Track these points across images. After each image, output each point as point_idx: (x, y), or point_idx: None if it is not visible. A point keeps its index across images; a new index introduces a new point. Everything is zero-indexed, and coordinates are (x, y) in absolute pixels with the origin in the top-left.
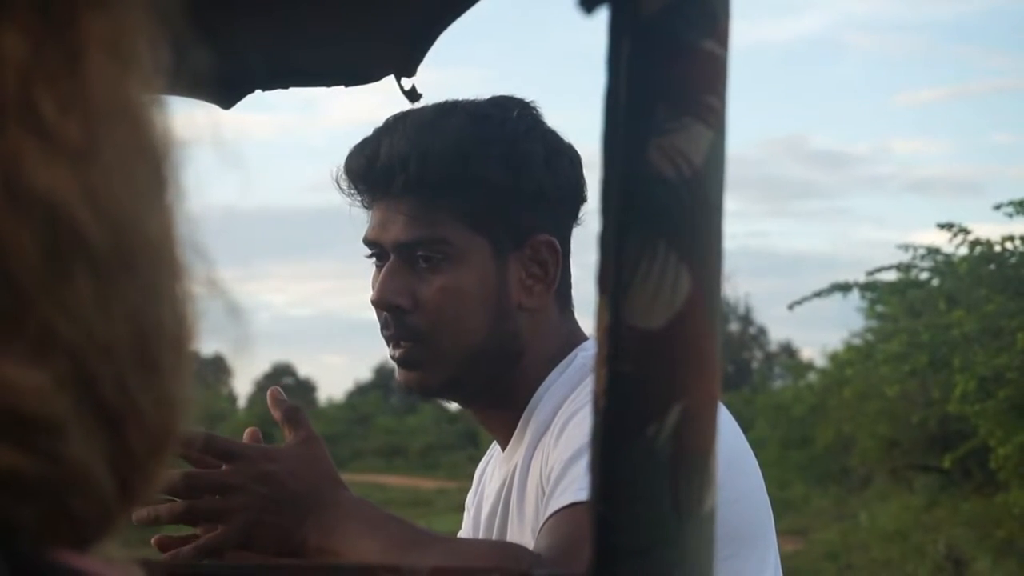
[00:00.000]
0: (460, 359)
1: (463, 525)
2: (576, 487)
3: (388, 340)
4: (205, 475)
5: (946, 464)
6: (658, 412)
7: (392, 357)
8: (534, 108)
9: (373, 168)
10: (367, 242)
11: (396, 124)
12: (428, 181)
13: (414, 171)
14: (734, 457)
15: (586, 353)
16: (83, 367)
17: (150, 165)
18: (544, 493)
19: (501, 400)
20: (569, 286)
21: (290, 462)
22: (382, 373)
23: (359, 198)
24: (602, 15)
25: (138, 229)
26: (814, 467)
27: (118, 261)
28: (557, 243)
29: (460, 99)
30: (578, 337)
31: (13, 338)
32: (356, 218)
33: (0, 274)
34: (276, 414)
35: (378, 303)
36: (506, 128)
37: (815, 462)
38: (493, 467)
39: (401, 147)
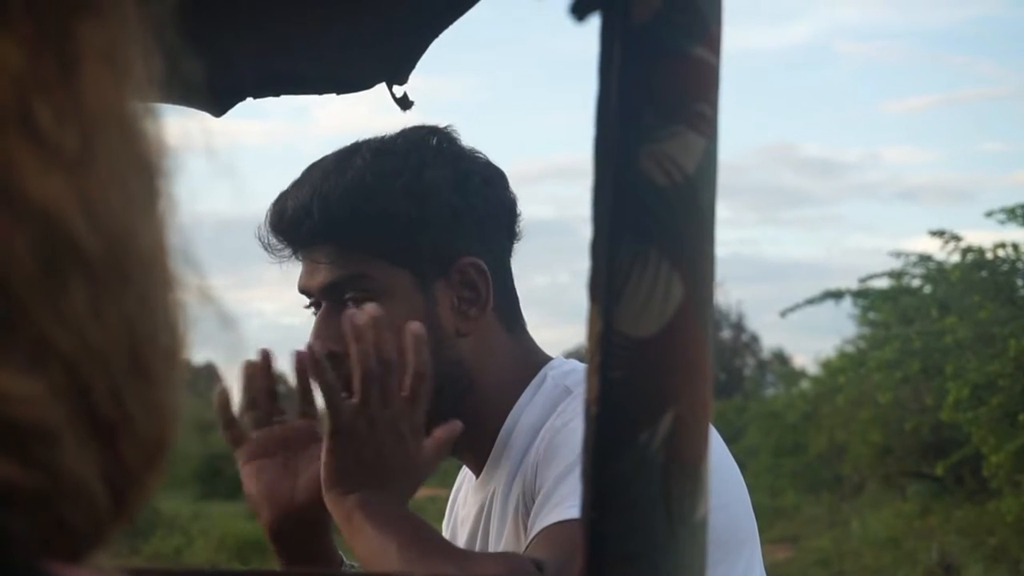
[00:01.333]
0: None
1: None
2: (566, 505)
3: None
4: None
5: (939, 471)
6: (650, 419)
7: None
8: (448, 132)
9: (283, 222)
10: (300, 291)
11: (304, 174)
12: (334, 224)
13: (318, 217)
14: (717, 464)
15: (556, 372)
16: (77, 376)
17: (143, 174)
18: (528, 512)
19: (467, 429)
20: (513, 305)
21: (407, 444)
22: None
23: (283, 253)
24: (594, 22)
25: (132, 238)
26: (806, 474)
27: (112, 270)
28: (484, 264)
29: (368, 138)
30: (539, 357)
31: (8, 346)
32: None
33: None
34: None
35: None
36: (411, 159)
37: (807, 469)
38: (466, 493)
39: (304, 196)
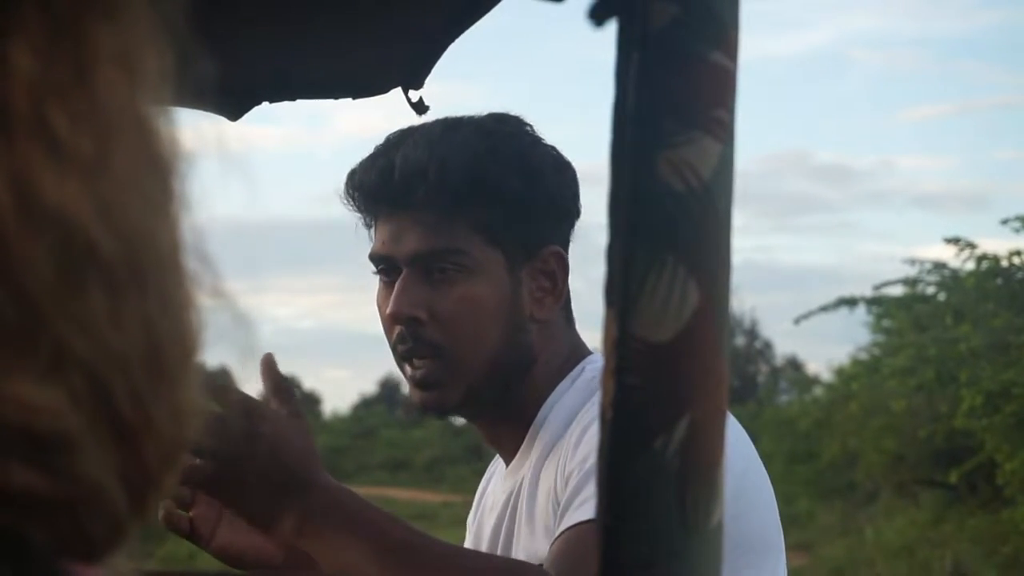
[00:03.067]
0: (477, 372)
1: (465, 544)
2: (592, 502)
3: (403, 356)
4: None
5: (952, 479)
6: (666, 425)
7: (408, 377)
8: (529, 124)
9: (390, 181)
10: (375, 257)
11: (405, 138)
12: (448, 192)
13: (434, 181)
14: (747, 468)
15: (594, 365)
16: (98, 382)
17: (158, 177)
18: (559, 502)
19: (509, 413)
20: (570, 298)
21: (281, 431)
22: (387, 386)
23: (366, 214)
24: (611, 27)
25: (148, 241)
26: (820, 482)
27: (130, 273)
28: (565, 254)
29: (462, 116)
30: (582, 350)
31: (28, 355)
32: (362, 232)
33: (14, 290)
34: (265, 383)
35: (395, 316)
36: (514, 141)
37: (821, 477)
38: (495, 483)
39: (419, 158)
